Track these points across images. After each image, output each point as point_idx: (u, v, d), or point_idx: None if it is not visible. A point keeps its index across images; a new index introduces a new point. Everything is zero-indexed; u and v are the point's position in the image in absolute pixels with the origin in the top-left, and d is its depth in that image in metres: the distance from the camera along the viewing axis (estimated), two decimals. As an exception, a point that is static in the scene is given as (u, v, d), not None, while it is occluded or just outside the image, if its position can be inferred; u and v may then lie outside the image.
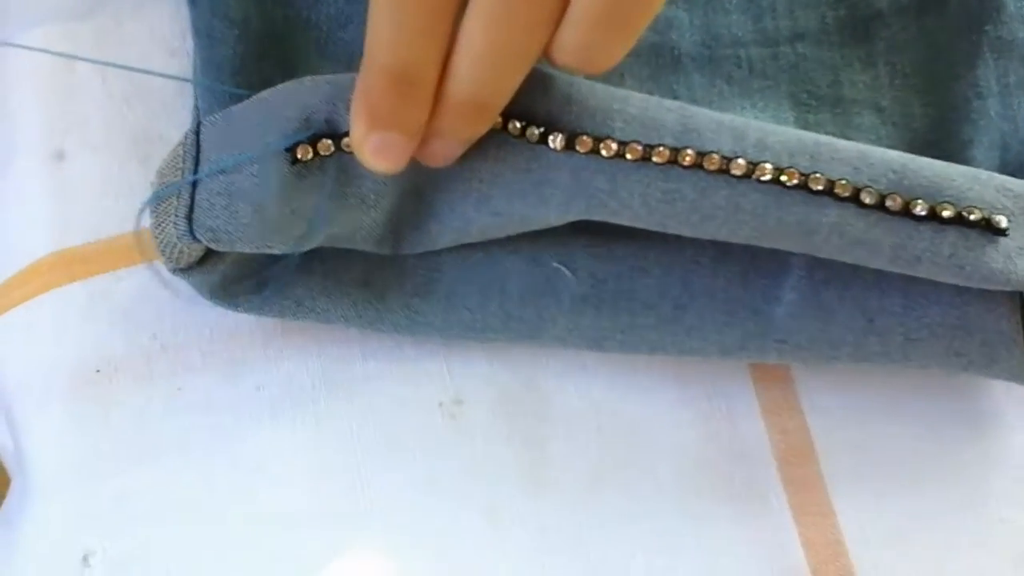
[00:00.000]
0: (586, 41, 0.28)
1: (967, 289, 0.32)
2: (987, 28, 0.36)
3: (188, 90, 0.36)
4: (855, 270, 0.33)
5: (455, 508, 0.35)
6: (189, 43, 0.37)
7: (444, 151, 0.30)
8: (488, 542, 0.34)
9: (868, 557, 0.35)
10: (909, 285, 0.33)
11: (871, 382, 0.36)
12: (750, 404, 0.36)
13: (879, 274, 0.33)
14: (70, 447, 0.35)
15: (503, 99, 0.30)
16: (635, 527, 0.35)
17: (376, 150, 0.29)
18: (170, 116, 0.37)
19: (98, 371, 0.35)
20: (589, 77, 0.31)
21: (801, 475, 0.35)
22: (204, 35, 0.36)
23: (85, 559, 0.34)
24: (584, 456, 0.35)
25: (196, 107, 0.36)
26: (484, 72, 0.29)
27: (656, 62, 0.37)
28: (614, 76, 0.37)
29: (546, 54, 0.29)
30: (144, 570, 0.34)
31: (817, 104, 0.37)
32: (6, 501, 0.38)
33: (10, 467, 0.39)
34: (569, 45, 0.28)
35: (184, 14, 0.37)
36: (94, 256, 0.36)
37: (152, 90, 0.38)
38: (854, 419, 0.36)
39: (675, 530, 0.35)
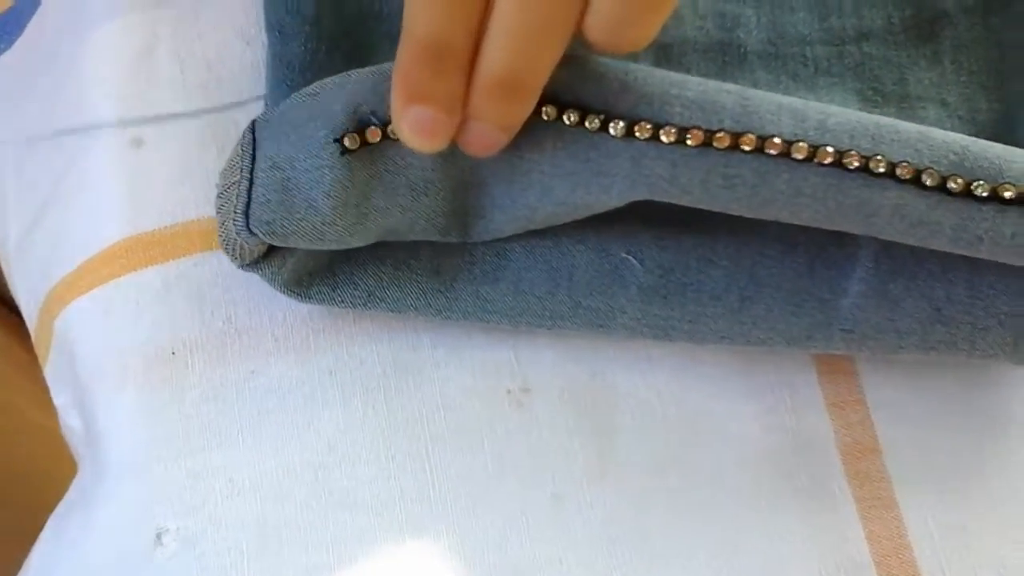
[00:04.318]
0: (617, 16, 0.28)
1: None
2: None
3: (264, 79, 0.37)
4: (921, 261, 0.33)
5: (520, 495, 0.35)
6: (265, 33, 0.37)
7: (484, 136, 0.30)
8: (553, 530, 0.34)
9: (931, 551, 0.35)
10: (976, 275, 0.33)
11: (935, 376, 0.37)
12: (815, 397, 0.36)
13: (945, 264, 0.33)
14: (145, 428, 0.36)
15: (538, 79, 0.29)
16: (699, 518, 0.35)
17: (413, 125, 0.29)
18: (247, 105, 0.38)
19: (173, 353, 0.36)
20: (625, 57, 0.31)
21: (865, 469, 0.36)
22: (276, 30, 0.37)
23: (158, 537, 0.34)
24: (649, 446, 0.36)
25: (266, 104, 0.36)
26: (516, 49, 0.28)
27: (722, 59, 0.38)
28: (680, 72, 0.37)
29: (579, 33, 0.29)
30: (216, 548, 0.34)
31: (883, 101, 0.37)
32: (75, 483, 0.39)
33: (78, 450, 0.40)
34: (601, 20, 0.28)
35: (260, 2, 0.38)
36: (170, 241, 0.37)
37: (229, 78, 0.38)
38: (918, 413, 0.36)
39: (739, 522, 0.35)
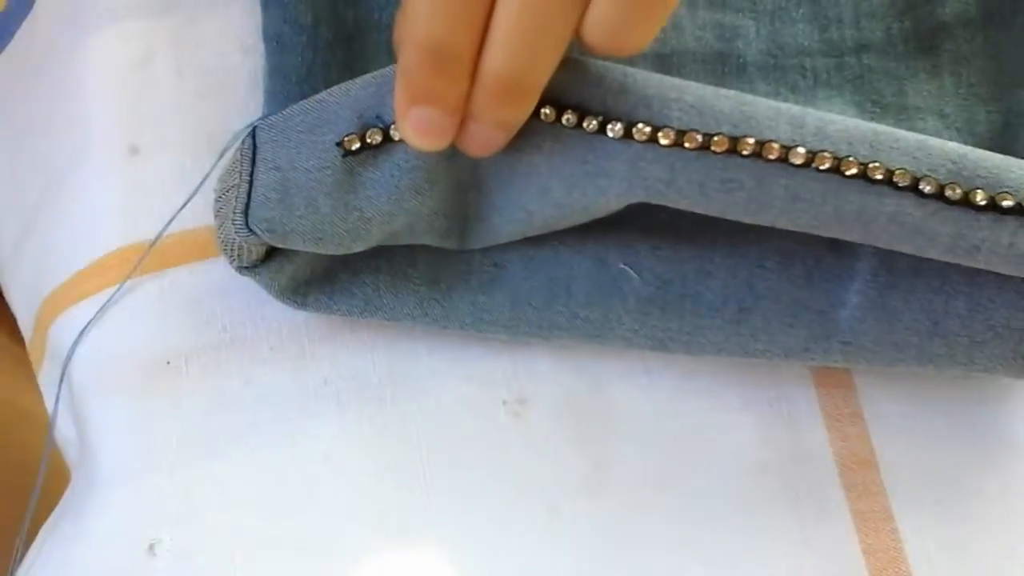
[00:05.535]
0: (616, 19, 0.28)
1: None
2: None
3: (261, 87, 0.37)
4: (920, 274, 0.33)
5: (516, 506, 0.35)
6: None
7: (483, 136, 0.30)
8: (549, 541, 0.34)
9: (927, 565, 0.35)
10: (974, 288, 0.33)
11: (933, 389, 0.36)
12: (812, 410, 0.36)
13: (944, 277, 0.33)
14: (138, 437, 0.35)
15: (537, 81, 0.30)
16: (695, 530, 0.35)
17: (417, 126, 0.29)
18: (244, 113, 0.38)
19: (168, 363, 0.36)
20: (623, 64, 0.31)
21: (862, 481, 0.36)
22: (273, 40, 0.37)
23: (151, 548, 0.34)
24: (645, 458, 0.36)
25: (263, 114, 0.36)
26: (516, 52, 0.29)
27: (722, 70, 0.38)
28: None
29: (577, 36, 0.29)
30: (209, 559, 0.34)
31: (881, 112, 0.37)
32: (67, 493, 0.38)
33: (71, 459, 0.39)
34: (599, 24, 0.28)
35: (259, 12, 0.38)
36: (166, 249, 0.37)
37: (227, 87, 0.38)
38: (915, 426, 0.36)
39: (735, 534, 0.35)
